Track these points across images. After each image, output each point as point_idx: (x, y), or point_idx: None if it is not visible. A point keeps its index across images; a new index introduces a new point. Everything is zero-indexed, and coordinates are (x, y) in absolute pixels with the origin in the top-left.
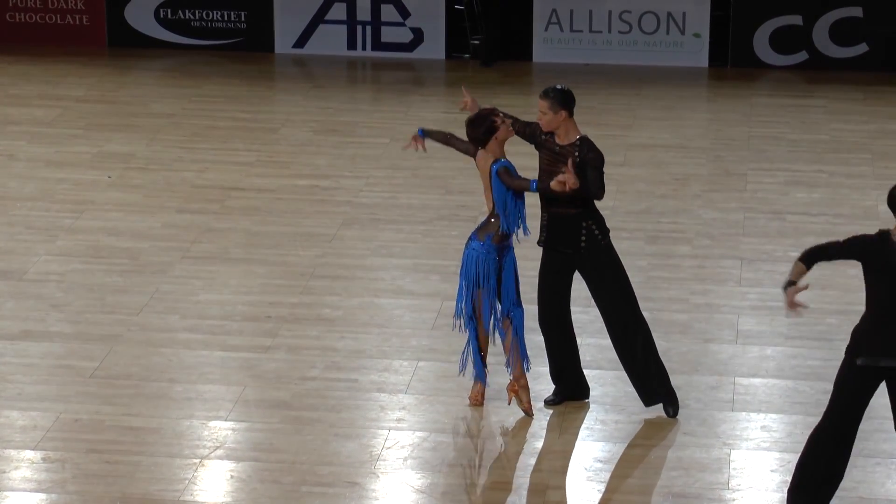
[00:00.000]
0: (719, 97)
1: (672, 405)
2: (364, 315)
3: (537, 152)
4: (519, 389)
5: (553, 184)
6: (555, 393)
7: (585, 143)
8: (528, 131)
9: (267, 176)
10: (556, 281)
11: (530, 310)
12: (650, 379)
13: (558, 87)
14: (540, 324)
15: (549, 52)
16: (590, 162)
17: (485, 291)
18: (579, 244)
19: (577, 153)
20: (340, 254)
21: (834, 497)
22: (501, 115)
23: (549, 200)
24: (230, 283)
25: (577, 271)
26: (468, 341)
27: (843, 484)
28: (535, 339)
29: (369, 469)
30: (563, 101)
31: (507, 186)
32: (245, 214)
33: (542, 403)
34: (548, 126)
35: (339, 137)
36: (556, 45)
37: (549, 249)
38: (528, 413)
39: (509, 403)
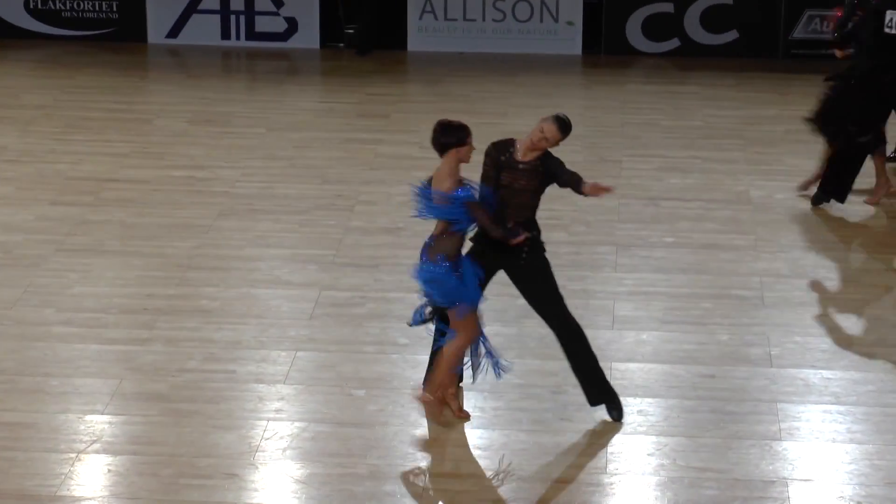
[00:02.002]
0: (593, 84)
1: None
2: (241, 306)
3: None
4: (449, 398)
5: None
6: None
7: (547, 156)
8: (492, 157)
9: (142, 167)
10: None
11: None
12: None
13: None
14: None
15: (423, 41)
16: (555, 169)
17: (461, 308)
18: (521, 255)
19: (541, 169)
20: (217, 244)
21: (710, 479)
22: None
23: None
24: (106, 275)
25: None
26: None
27: (718, 466)
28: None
29: (248, 460)
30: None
31: (484, 227)
32: (120, 206)
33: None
34: (546, 146)
35: (215, 128)
36: (431, 33)
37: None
38: (465, 418)
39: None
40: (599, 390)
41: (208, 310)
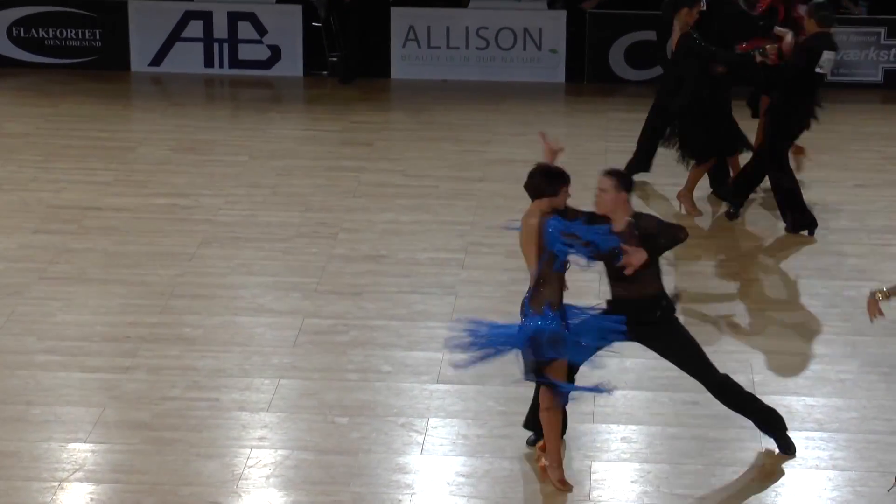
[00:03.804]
0: (576, 112)
1: None
2: (225, 334)
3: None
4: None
5: (627, 271)
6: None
7: (637, 217)
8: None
9: (125, 195)
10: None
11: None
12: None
13: (620, 169)
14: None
15: (407, 69)
16: (650, 228)
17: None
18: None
19: (635, 231)
20: (200, 272)
21: None
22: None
23: (619, 283)
24: (89, 303)
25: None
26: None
27: (701, 493)
28: None
29: (231, 488)
30: (627, 183)
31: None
32: (103, 234)
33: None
34: (603, 206)
35: (198, 156)
36: (414, 61)
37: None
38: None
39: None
40: (769, 425)
41: (191, 338)
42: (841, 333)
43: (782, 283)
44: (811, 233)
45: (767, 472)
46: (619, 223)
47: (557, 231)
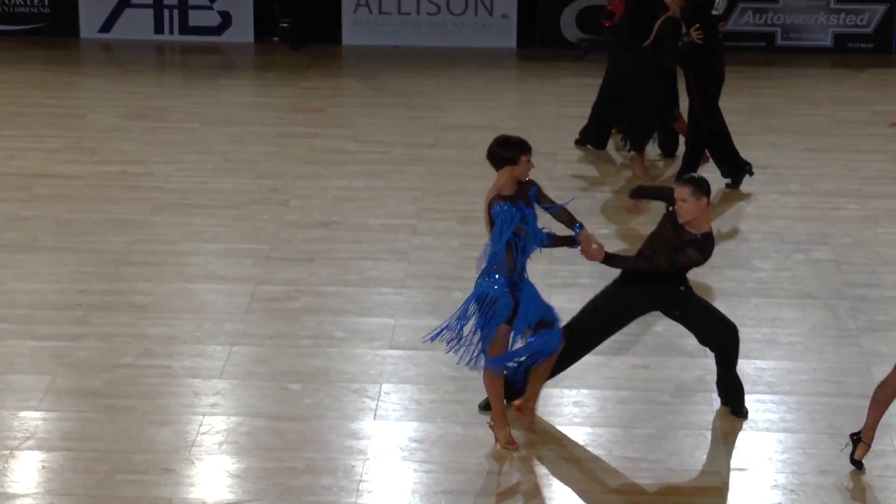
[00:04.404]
0: (528, 78)
1: None
2: (177, 301)
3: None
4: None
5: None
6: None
7: (705, 238)
8: (663, 196)
9: (75, 163)
10: (623, 314)
11: None
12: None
13: (694, 175)
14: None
15: (358, 35)
16: (689, 250)
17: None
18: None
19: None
20: (151, 240)
21: (645, 469)
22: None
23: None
24: (39, 271)
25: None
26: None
27: (653, 456)
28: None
29: (184, 455)
30: (704, 188)
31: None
32: (53, 202)
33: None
34: (686, 215)
35: (149, 123)
36: (366, 27)
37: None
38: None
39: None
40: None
41: (143, 305)
42: (791, 297)
43: (733, 246)
44: (751, 173)
45: (719, 435)
46: (703, 229)
47: (502, 218)
